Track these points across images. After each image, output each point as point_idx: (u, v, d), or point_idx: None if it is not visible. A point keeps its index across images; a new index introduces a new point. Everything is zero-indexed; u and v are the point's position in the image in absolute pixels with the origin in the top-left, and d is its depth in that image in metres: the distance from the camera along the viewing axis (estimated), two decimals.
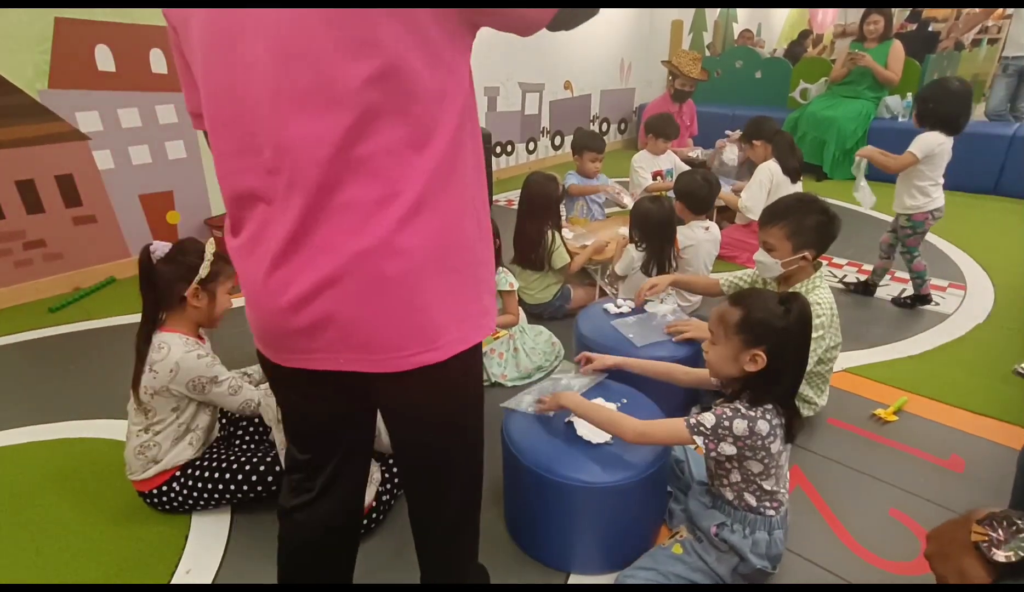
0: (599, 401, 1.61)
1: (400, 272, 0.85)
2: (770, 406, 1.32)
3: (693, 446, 1.55)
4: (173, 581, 1.53)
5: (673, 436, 1.38)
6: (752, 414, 1.30)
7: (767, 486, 1.37)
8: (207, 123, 0.90)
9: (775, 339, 1.31)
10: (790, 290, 1.93)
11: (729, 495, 1.43)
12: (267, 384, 1.75)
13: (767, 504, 1.39)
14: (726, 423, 1.30)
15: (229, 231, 0.97)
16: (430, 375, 0.91)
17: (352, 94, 0.76)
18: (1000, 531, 0.89)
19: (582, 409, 1.50)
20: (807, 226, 1.86)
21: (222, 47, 0.81)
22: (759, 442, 1.30)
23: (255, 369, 1.98)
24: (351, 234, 0.82)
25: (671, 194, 3.01)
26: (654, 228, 2.51)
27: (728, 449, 1.31)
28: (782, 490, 1.40)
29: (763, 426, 1.29)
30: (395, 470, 1.68)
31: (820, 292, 1.88)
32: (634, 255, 2.55)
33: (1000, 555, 0.87)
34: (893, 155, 3.03)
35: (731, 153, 4.33)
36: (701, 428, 1.32)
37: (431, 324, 0.89)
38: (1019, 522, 0.88)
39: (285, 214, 0.84)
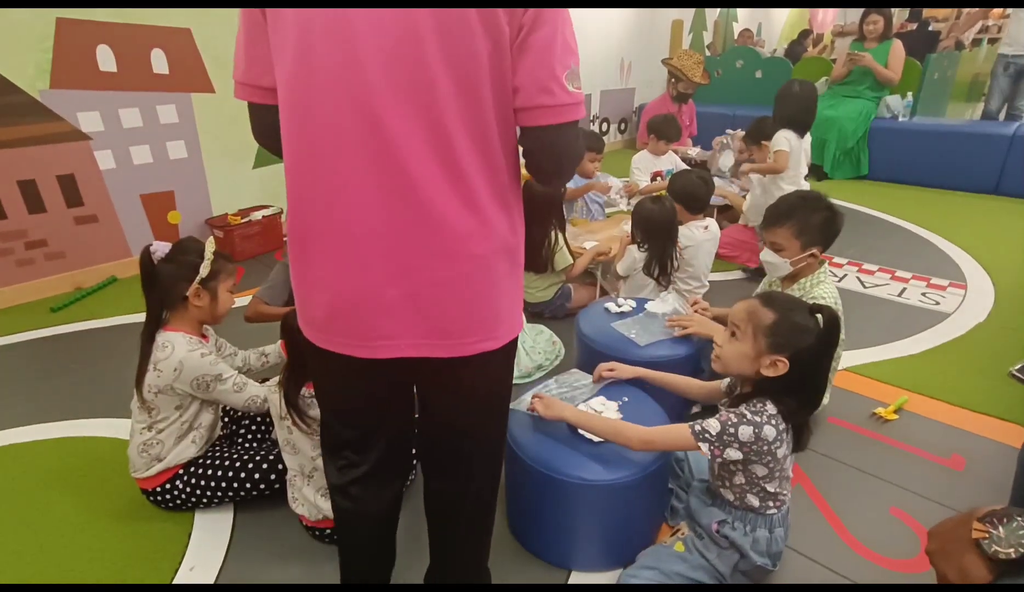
0: (600, 399, 1.61)
1: (474, 268, 0.95)
2: (774, 410, 1.31)
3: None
4: (177, 578, 1.53)
5: (678, 443, 1.37)
6: (758, 419, 1.28)
7: (770, 488, 1.37)
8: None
9: (801, 349, 1.29)
10: (814, 293, 1.94)
11: (730, 496, 1.42)
12: (272, 379, 1.76)
13: (769, 504, 1.39)
14: (731, 429, 1.29)
15: None
16: (488, 360, 1.02)
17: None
18: (1001, 528, 0.89)
19: (582, 421, 1.48)
20: (813, 224, 1.88)
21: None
22: (765, 447, 1.29)
23: (272, 348, 1.99)
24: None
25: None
26: (657, 229, 2.51)
27: (734, 454, 1.30)
28: (785, 490, 1.40)
29: (769, 431, 1.28)
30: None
31: (825, 287, 1.90)
32: (636, 256, 2.55)
33: (1001, 552, 0.88)
34: (766, 163, 3.32)
35: (727, 159, 4.31)
36: (706, 435, 1.31)
37: (494, 315, 1.01)
38: (1019, 519, 0.88)
39: None
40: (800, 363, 1.29)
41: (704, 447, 1.32)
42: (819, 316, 1.30)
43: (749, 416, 1.29)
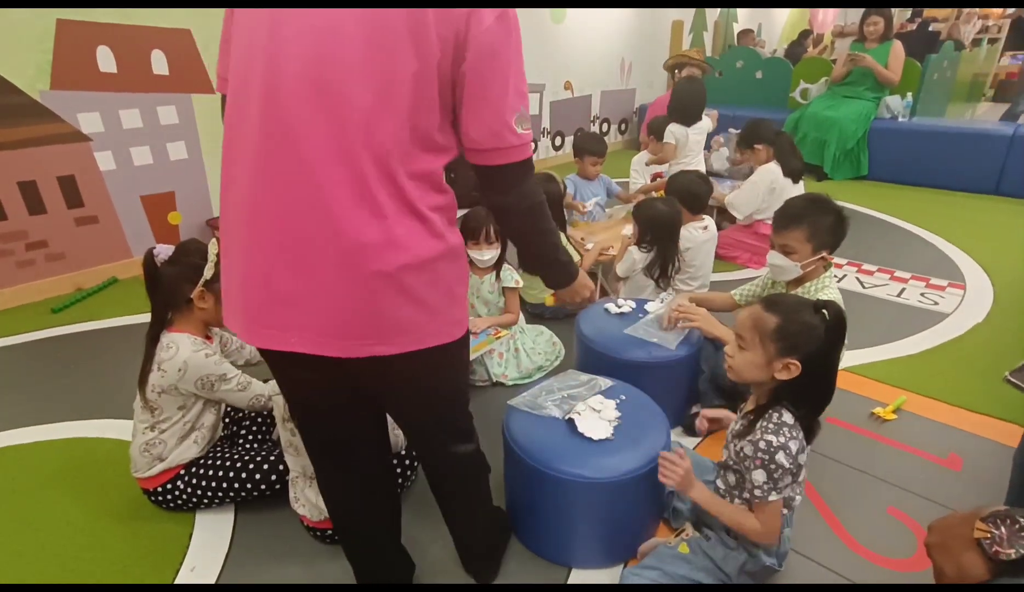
0: (599, 398, 1.62)
1: (380, 286, 0.99)
2: (791, 419, 1.30)
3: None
4: (178, 578, 1.54)
5: (773, 513, 1.32)
6: (781, 440, 1.27)
7: (787, 492, 1.35)
8: None
9: (811, 348, 1.28)
10: (820, 297, 1.94)
11: (739, 501, 1.41)
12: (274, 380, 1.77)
13: (784, 510, 1.38)
14: (773, 466, 1.27)
15: None
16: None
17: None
18: (1003, 529, 0.90)
19: (710, 503, 1.41)
20: (824, 227, 1.88)
21: None
22: (796, 460, 1.29)
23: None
24: None
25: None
26: (662, 228, 2.51)
27: (788, 480, 1.31)
28: (798, 493, 1.39)
29: (794, 445, 1.28)
30: (407, 463, 1.71)
31: (830, 291, 1.90)
32: (636, 257, 2.55)
33: (1002, 552, 0.89)
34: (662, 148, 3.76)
35: (720, 159, 4.32)
36: (766, 487, 1.29)
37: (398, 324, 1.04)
38: (1022, 520, 0.89)
39: None
40: (812, 362, 1.28)
41: (777, 496, 1.30)
42: (825, 312, 1.30)
43: (774, 441, 1.27)
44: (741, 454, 1.33)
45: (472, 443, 1.34)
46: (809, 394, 1.32)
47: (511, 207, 1.10)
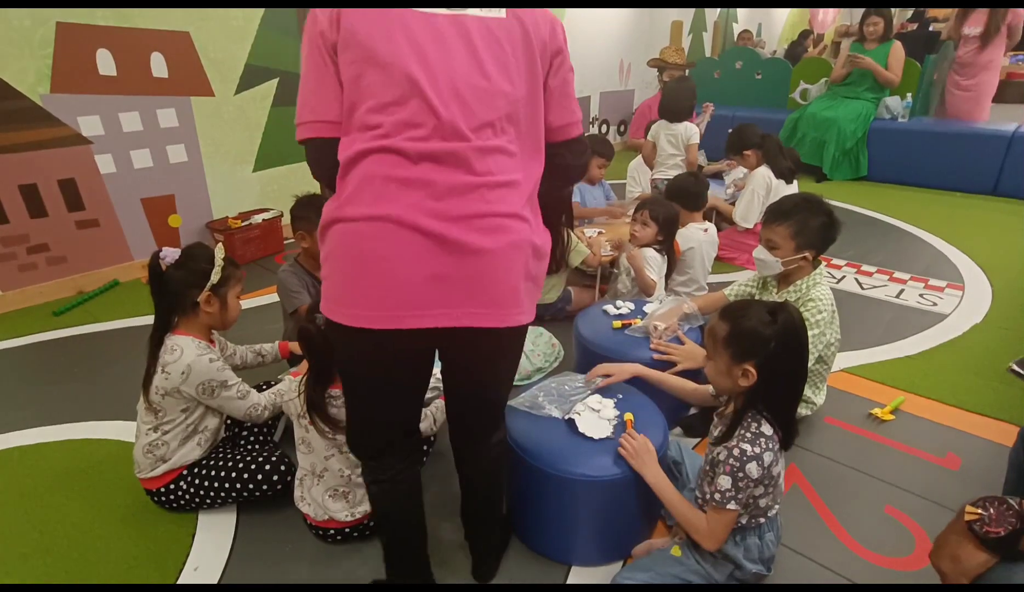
0: (596, 398, 1.63)
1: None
2: (769, 431, 1.29)
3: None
4: (181, 578, 1.55)
5: (725, 519, 1.32)
6: (756, 451, 1.27)
7: (762, 503, 1.36)
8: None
9: (764, 353, 1.27)
10: (783, 295, 1.96)
11: None
12: (272, 389, 1.78)
13: (759, 518, 1.39)
14: (741, 475, 1.27)
15: None
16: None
17: None
18: (991, 509, 0.93)
19: (661, 488, 1.43)
20: (811, 227, 1.88)
21: None
22: (766, 472, 1.29)
23: (268, 347, 2.01)
24: None
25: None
26: (673, 226, 2.56)
27: (758, 491, 1.31)
28: (775, 501, 1.39)
29: (769, 457, 1.28)
30: (424, 447, 1.75)
31: (820, 289, 1.90)
32: (660, 259, 2.57)
33: (991, 531, 0.91)
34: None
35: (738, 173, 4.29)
36: (728, 494, 1.29)
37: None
38: (1010, 500, 0.92)
39: None
40: (768, 367, 1.27)
41: (732, 505, 1.29)
42: (775, 316, 1.28)
43: (749, 451, 1.27)
44: (716, 460, 1.33)
45: (504, 431, 1.44)
46: (774, 399, 1.31)
47: (582, 164, 1.38)
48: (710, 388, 1.59)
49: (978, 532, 0.94)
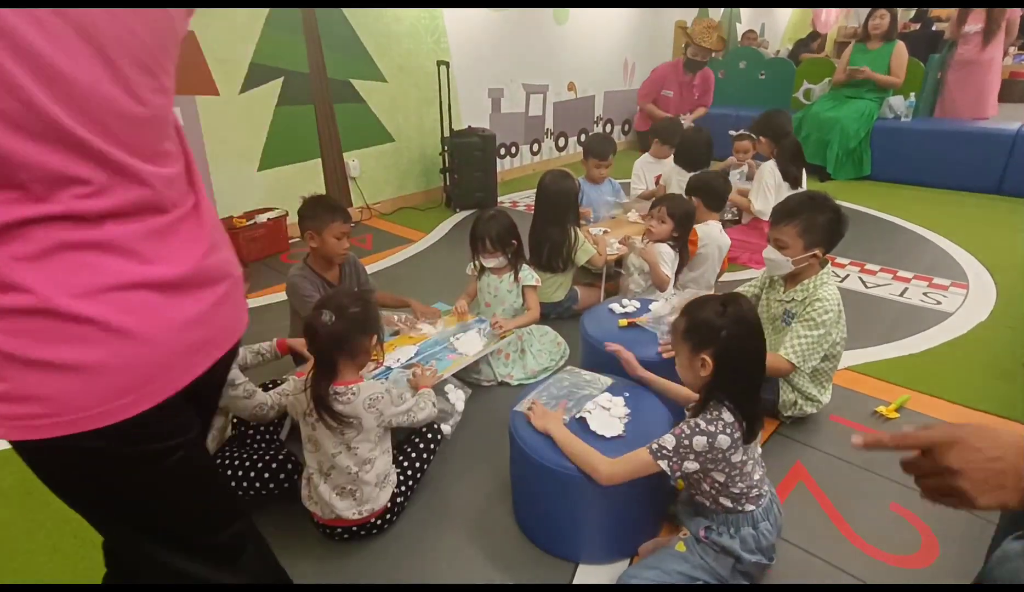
0: (607, 396, 1.64)
1: None
2: (730, 419, 1.33)
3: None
4: None
5: (640, 468, 1.38)
6: (712, 429, 1.31)
7: (735, 490, 1.39)
8: None
9: (716, 342, 1.33)
10: (790, 294, 1.97)
11: (706, 501, 1.45)
12: (277, 388, 1.79)
13: (743, 503, 1.40)
14: (686, 442, 1.32)
15: None
16: None
17: None
18: None
19: (564, 441, 1.49)
20: (819, 224, 1.89)
21: None
22: (719, 455, 1.32)
23: (267, 346, 2.00)
24: None
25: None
26: (689, 222, 2.58)
27: (691, 466, 1.34)
28: (756, 487, 1.41)
29: (724, 440, 1.31)
30: (409, 472, 1.72)
31: (827, 289, 1.91)
32: (673, 255, 2.59)
33: None
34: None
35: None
36: (664, 452, 1.34)
37: None
38: None
39: None
40: (722, 356, 1.32)
41: (663, 464, 1.34)
42: (725, 307, 1.33)
43: (703, 426, 1.32)
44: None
45: None
46: (732, 387, 1.35)
47: None
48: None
49: None
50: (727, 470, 1.36)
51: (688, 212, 2.57)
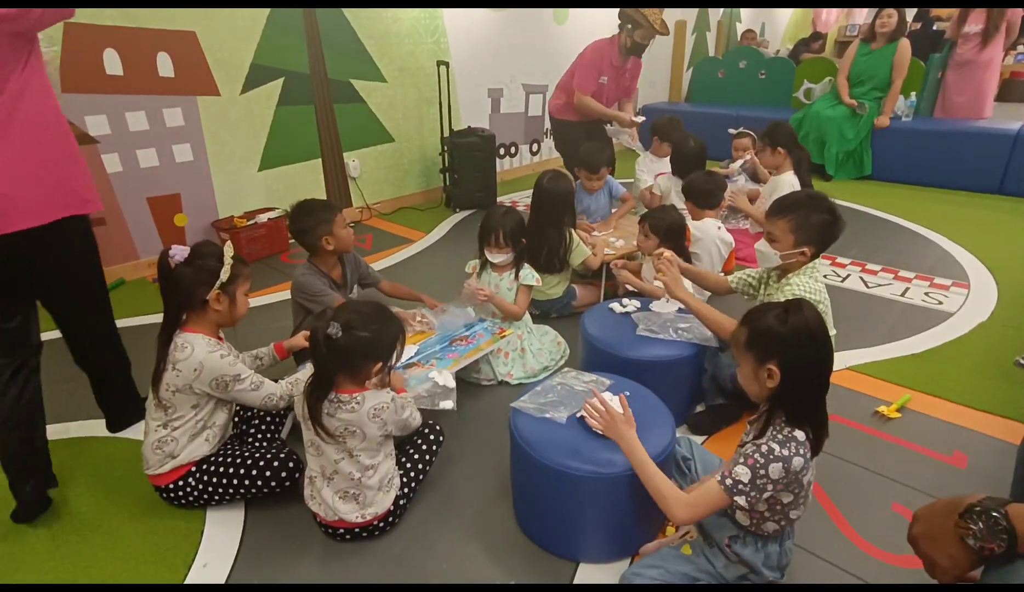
0: (606, 395, 1.63)
1: None
2: (802, 437, 1.27)
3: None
4: (190, 574, 1.56)
5: (715, 505, 1.30)
6: (786, 453, 1.24)
7: (793, 514, 1.34)
8: None
9: (783, 351, 1.27)
10: (776, 287, 1.96)
11: (745, 521, 1.38)
12: (290, 377, 1.79)
13: (786, 527, 1.38)
14: (762, 472, 1.24)
15: None
16: None
17: None
18: (981, 524, 0.93)
19: (639, 459, 1.41)
20: (812, 223, 1.88)
21: None
22: (793, 477, 1.25)
23: (265, 351, 2.01)
24: None
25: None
26: (677, 233, 2.56)
27: (767, 495, 1.28)
28: (801, 509, 1.36)
29: (798, 462, 1.24)
30: (412, 474, 1.72)
31: (800, 277, 1.89)
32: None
33: (986, 547, 0.92)
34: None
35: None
36: (740, 487, 1.26)
37: None
38: (995, 514, 0.92)
39: None
40: (789, 365, 1.27)
41: (741, 500, 1.26)
42: (788, 315, 1.28)
43: (778, 451, 1.25)
44: (744, 453, 1.31)
45: None
46: (800, 397, 1.30)
47: None
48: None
49: (973, 546, 0.94)
50: (796, 491, 1.30)
51: (672, 225, 2.55)
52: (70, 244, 1.75)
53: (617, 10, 4.32)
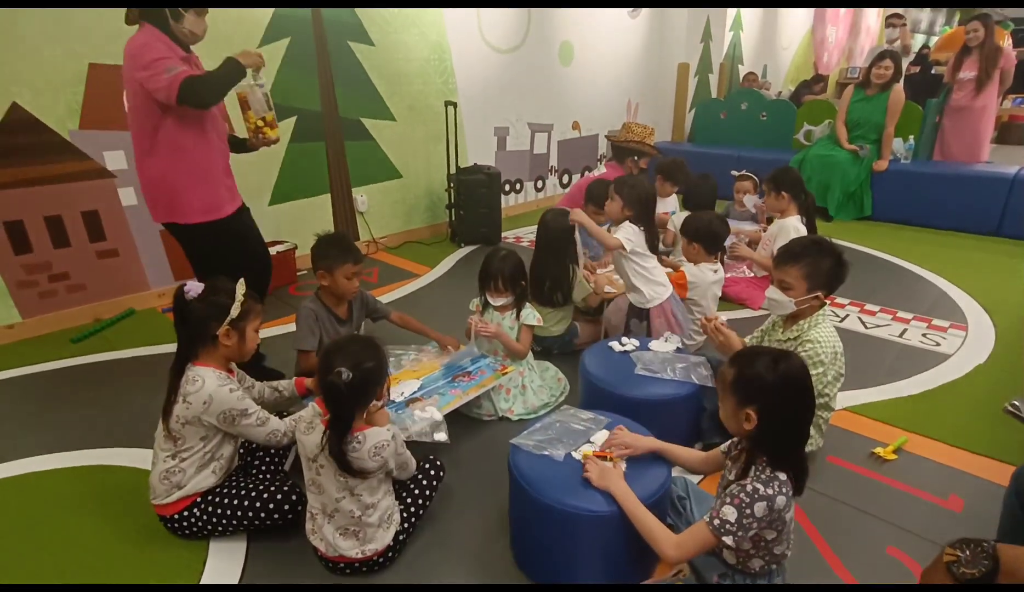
0: (603, 434, 1.67)
1: None
2: (783, 476, 1.30)
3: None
4: None
5: (704, 545, 1.33)
6: (770, 492, 1.27)
7: (777, 550, 1.37)
8: None
9: (764, 398, 1.31)
10: (787, 334, 2.01)
11: (732, 559, 1.41)
12: (294, 414, 1.83)
13: (772, 565, 1.40)
14: (748, 511, 1.27)
15: None
16: None
17: None
18: (968, 551, 1.01)
19: (627, 505, 1.45)
20: (822, 269, 1.93)
21: None
22: (777, 515, 1.29)
23: (285, 384, 2.05)
24: None
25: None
26: (647, 203, 2.58)
27: (752, 533, 1.30)
28: (789, 548, 1.40)
29: (781, 501, 1.28)
30: (412, 509, 1.74)
31: (819, 330, 1.95)
32: (635, 230, 2.58)
33: (967, 572, 1.00)
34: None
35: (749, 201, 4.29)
36: (727, 526, 1.29)
37: None
38: (984, 544, 1.00)
39: None
40: (768, 413, 1.30)
41: (728, 540, 1.28)
42: (776, 364, 1.31)
43: (762, 490, 1.28)
44: (729, 493, 1.33)
45: None
46: (777, 443, 1.32)
47: None
48: (719, 451, 1.57)
49: (955, 572, 1.01)
50: (779, 528, 1.33)
51: (643, 195, 2.55)
52: None
53: (611, 151, 4.47)
